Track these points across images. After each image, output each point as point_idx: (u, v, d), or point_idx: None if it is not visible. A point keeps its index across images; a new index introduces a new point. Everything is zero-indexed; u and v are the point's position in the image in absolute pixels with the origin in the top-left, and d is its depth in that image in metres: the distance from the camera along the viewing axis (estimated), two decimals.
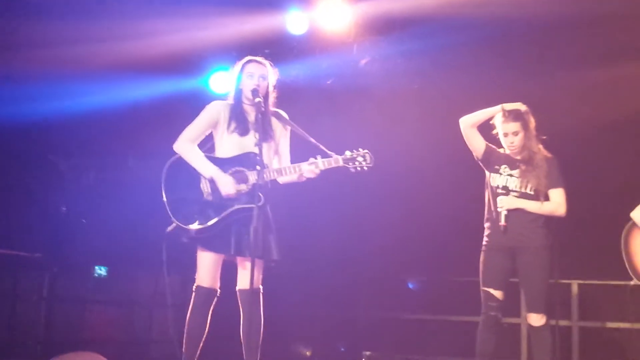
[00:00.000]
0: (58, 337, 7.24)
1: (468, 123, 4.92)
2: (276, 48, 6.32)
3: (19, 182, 7.23)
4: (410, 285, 6.73)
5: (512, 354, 7.18)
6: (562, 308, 7.01)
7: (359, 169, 4.31)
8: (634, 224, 5.54)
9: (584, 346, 7.31)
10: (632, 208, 5.54)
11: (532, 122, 4.84)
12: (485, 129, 4.99)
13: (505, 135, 4.84)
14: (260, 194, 4.10)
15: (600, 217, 7.04)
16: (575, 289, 7.40)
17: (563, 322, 7.09)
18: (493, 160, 4.92)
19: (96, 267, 7.83)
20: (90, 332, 7.64)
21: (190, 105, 5.18)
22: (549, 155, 4.91)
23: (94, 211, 7.69)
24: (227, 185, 4.22)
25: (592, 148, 6.96)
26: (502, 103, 4.90)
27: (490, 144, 4.96)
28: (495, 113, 4.87)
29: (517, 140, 4.82)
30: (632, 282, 5.68)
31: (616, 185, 6.99)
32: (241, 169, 4.30)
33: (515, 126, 4.80)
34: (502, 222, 4.76)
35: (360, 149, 4.34)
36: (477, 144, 4.93)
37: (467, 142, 4.95)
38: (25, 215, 7.18)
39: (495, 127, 4.91)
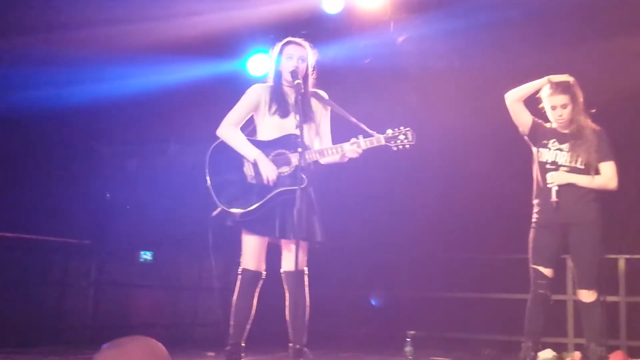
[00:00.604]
0: (106, 322, 7.39)
1: (514, 97, 4.82)
2: (312, 28, 6.28)
3: (63, 170, 7.34)
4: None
5: (559, 331, 7.11)
6: (609, 284, 6.92)
7: (400, 147, 4.27)
8: None
9: (631, 321, 7.21)
10: None
11: (580, 95, 4.73)
12: (530, 103, 4.89)
13: (553, 108, 4.73)
14: (304, 176, 4.10)
15: None
16: (622, 264, 7.29)
17: (611, 298, 7.00)
18: (540, 135, 4.82)
19: (141, 252, 7.94)
20: (136, 316, 7.77)
21: (228, 89, 5.19)
22: (598, 127, 4.79)
23: (138, 197, 7.78)
24: (269, 170, 4.23)
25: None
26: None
27: (536, 118, 4.86)
28: (542, 86, 4.76)
29: (566, 113, 4.71)
30: None
31: None
32: (283, 151, 4.30)
33: (563, 99, 4.69)
34: (554, 197, 4.65)
35: (401, 127, 4.29)
36: (523, 119, 4.84)
37: (513, 117, 4.86)
38: (71, 203, 7.30)
39: (542, 101, 4.81)
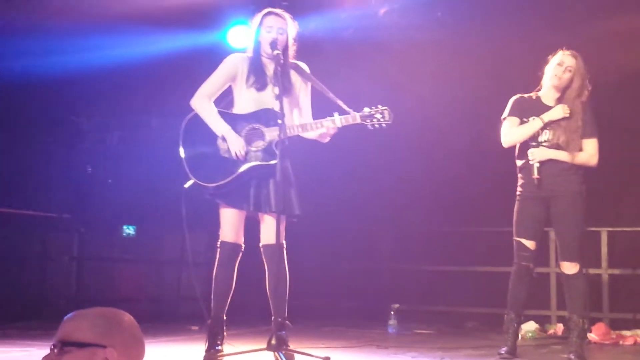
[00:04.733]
0: (88, 296, 7.35)
1: (514, 142, 4.79)
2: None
3: (43, 143, 7.27)
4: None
5: (541, 303, 7.14)
6: (592, 256, 6.94)
7: (377, 126, 4.21)
8: None
9: (613, 294, 7.25)
10: None
11: (585, 73, 4.68)
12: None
13: (560, 64, 4.67)
14: (277, 151, 4.06)
15: (630, 163, 6.92)
16: (604, 237, 7.31)
17: (593, 271, 7.03)
18: (524, 110, 4.78)
19: (124, 227, 7.89)
20: (120, 290, 7.74)
21: (209, 61, 5.11)
22: (584, 100, 4.75)
23: (120, 171, 7.72)
24: (237, 146, 4.18)
25: (623, 95, 6.81)
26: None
27: (521, 95, 4.81)
28: (537, 128, 4.72)
29: (566, 78, 4.66)
30: None
31: None
32: (258, 125, 4.24)
33: (573, 63, 4.65)
34: (535, 174, 4.65)
35: (379, 106, 4.21)
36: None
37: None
38: (52, 177, 7.23)
39: (548, 64, 4.75)
